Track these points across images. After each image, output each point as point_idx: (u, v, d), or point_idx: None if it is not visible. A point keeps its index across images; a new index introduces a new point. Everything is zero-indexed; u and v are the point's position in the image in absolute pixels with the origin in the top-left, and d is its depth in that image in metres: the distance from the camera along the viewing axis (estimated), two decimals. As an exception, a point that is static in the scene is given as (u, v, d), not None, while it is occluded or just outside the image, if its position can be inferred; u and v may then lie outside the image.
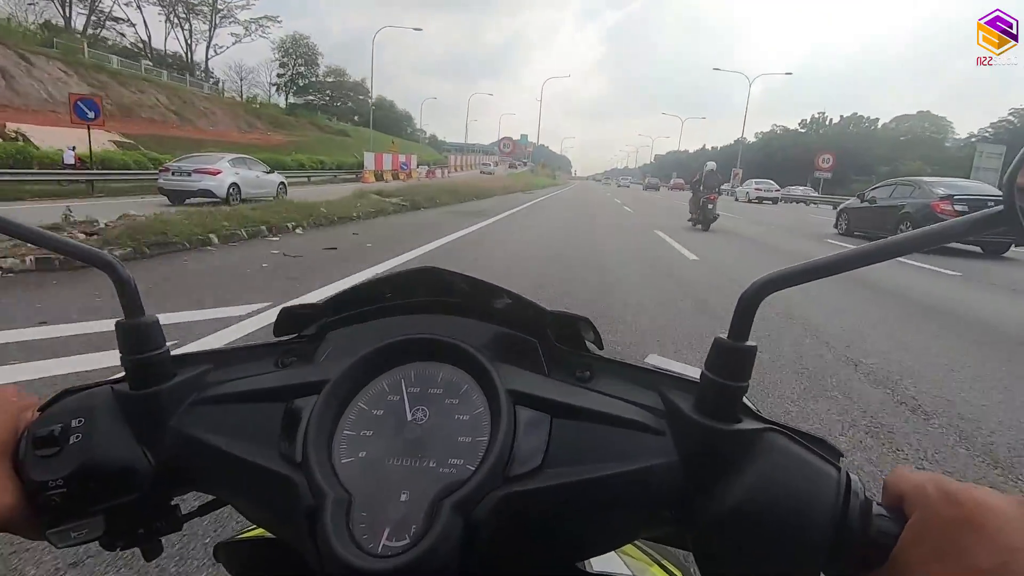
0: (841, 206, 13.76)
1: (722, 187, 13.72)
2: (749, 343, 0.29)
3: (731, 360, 0.30)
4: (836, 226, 13.44)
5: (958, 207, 9.58)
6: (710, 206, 11.83)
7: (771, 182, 37.21)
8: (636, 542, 0.56)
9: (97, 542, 0.34)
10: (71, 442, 0.33)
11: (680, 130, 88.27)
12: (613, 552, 0.49)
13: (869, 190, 12.60)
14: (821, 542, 0.26)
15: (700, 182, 12.10)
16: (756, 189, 35.61)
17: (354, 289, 0.41)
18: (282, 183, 16.12)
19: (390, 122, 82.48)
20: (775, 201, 34.77)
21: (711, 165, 12.38)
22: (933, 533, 0.24)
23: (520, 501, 0.30)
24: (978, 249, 9.98)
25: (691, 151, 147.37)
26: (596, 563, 0.46)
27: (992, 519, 0.23)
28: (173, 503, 0.38)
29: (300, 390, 0.35)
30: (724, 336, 0.30)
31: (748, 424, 0.30)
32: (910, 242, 0.26)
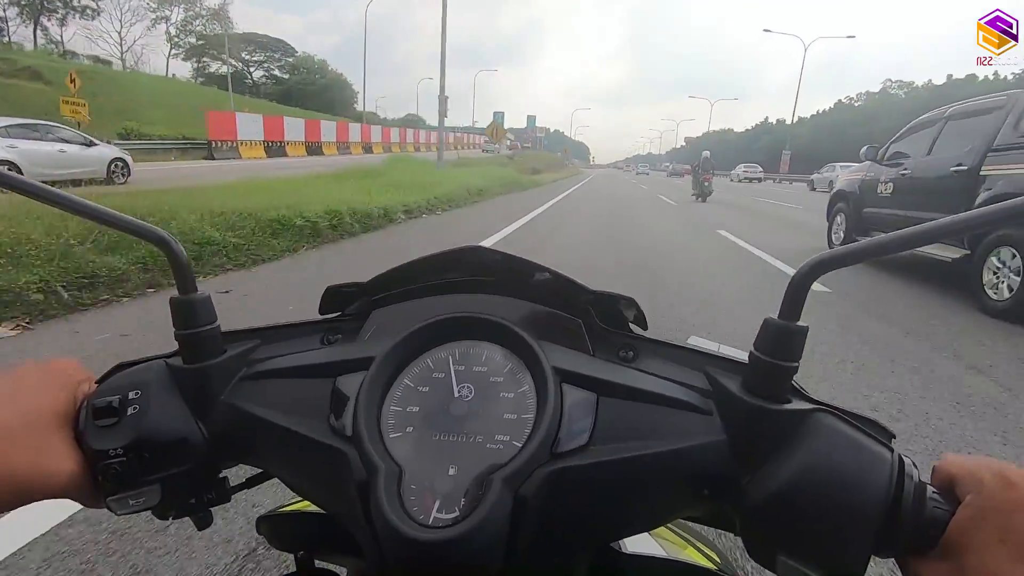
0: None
1: (715, 170, 17.30)
2: (800, 323, 0.29)
3: (781, 340, 0.30)
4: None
5: None
6: (706, 184, 16.45)
7: (757, 166, 48.24)
8: (671, 524, 0.55)
9: (151, 512, 0.35)
10: (129, 413, 0.34)
11: (710, 112, 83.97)
12: (647, 533, 0.50)
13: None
14: (873, 523, 0.26)
15: (699, 167, 16.52)
16: (744, 171, 46.13)
17: (397, 269, 0.41)
18: (119, 159, 12.31)
19: (339, 100, 64.82)
20: (760, 180, 44.78)
21: (706, 154, 16.60)
22: (991, 516, 0.24)
23: (567, 477, 0.30)
24: None
25: (737, 130, 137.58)
26: (630, 544, 0.46)
27: None
28: (222, 475, 0.39)
29: (347, 366, 0.36)
30: (774, 316, 0.30)
31: (798, 404, 0.30)
32: (955, 225, 0.26)
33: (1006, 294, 4.05)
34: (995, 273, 4.19)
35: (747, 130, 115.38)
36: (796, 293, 0.29)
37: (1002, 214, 0.25)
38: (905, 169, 5.60)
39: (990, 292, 4.21)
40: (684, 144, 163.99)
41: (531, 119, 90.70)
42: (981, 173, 4.45)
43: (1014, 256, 4.02)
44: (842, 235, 6.90)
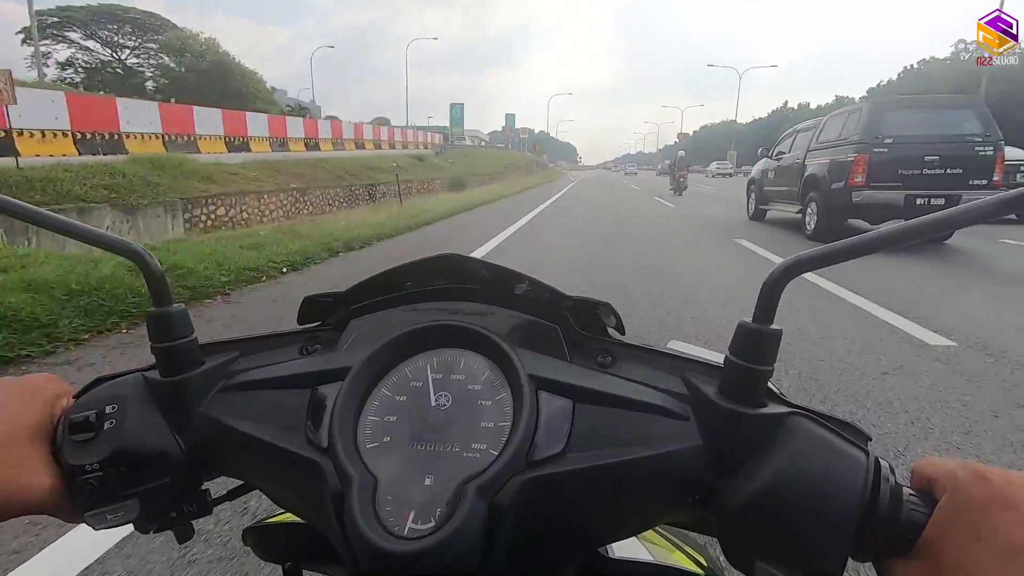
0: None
1: (690, 166, 21.19)
2: (774, 327, 0.29)
3: (755, 344, 0.29)
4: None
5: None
6: (681, 180, 19.53)
7: (727, 162, 55.94)
8: (658, 528, 0.56)
9: (132, 525, 0.35)
10: (105, 427, 0.34)
11: (681, 119, 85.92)
12: (635, 538, 0.50)
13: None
14: (849, 527, 0.26)
15: (675, 165, 19.98)
16: (717, 168, 54.82)
17: (375, 278, 0.42)
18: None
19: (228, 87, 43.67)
20: (731, 175, 51.82)
21: (681, 153, 20.01)
22: (965, 513, 0.24)
23: (543, 485, 0.30)
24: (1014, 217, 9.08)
25: (744, 122, 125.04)
26: (618, 549, 0.47)
27: None
28: (203, 488, 0.39)
29: (325, 376, 0.36)
30: (748, 320, 0.30)
31: (773, 408, 0.30)
32: (946, 220, 0.26)
33: (812, 228, 7.77)
34: (807, 218, 7.89)
35: (757, 119, 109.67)
36: (769, 296, 0.29)
37: (963, 216, 0.26)
38: (778, 162, 9.36)
39: (807, 227, 7.92)
40: (677, 141, 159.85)
41: (510, 117, 80.00)
42: (804, 163, 8.14)
43: (814, 209, 7.69)
44: (753, 207, 10.63)
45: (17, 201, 0.33)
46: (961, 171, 6.53)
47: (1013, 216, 8.11)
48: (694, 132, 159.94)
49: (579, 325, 0.39)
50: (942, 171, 6.55)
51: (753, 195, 10.63)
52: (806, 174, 7.95)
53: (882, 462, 0.28)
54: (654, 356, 0.37)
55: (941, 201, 6.51)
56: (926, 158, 6.53)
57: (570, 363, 0.37)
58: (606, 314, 0.38)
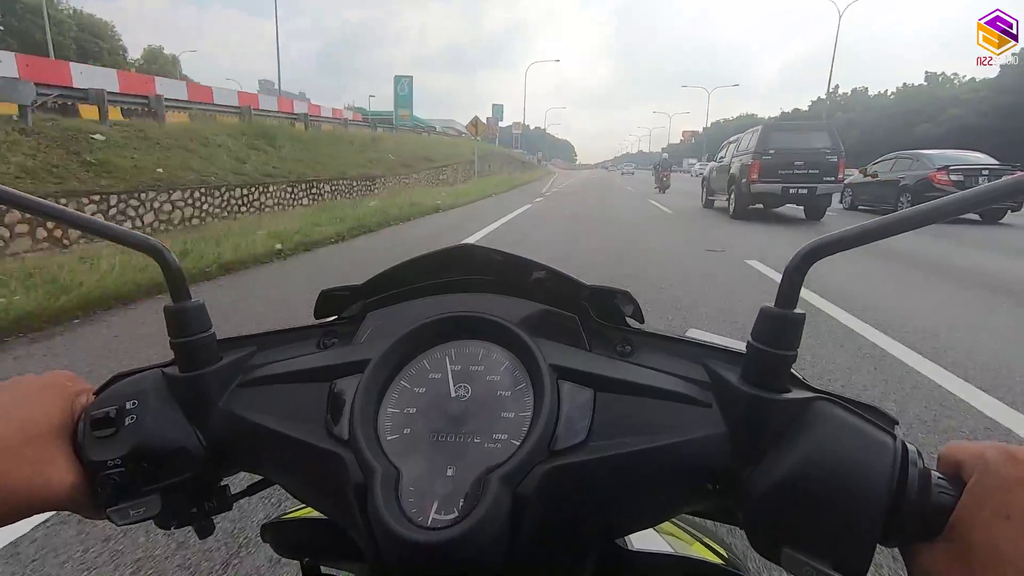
0: (846, 181, 13.41)
1: (672, 167, 24.94)
2: (797, 311, 0.29)
3: (778, 329, 0.29)
4: (841, 201, 14.00)
5: (953, 177, 10.15)
6: (665, 179, 22.67)
7: (709, 162, 60.50)
8: (676, 520, 0.56)
9: (153, 521, 0.35)
10: (126, 423, 0.34)
11: (708, 101, 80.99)
12: (653, 530, 0.51)
13: (871, 165, 13.15)
14: (878, 512, 0.25)
15: (659, 166, 23.27)
16: (698, 168, 64.22)
17: (391, 270, 0.42)
18: None
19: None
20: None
21: (665, 155, 24.25)
22: (995, 493, 0.24)
23: (566, 474, 0.30)
24: (977, 217, 10.35)
25: (763, 115, 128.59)
26: (637, 541, 0.47)
27: None
28: (223, 483, 0.39)
29: (343, 370, 0.36)
30: (771, 305, 0.30)
31: (798, 393, 0.30)
32: (954, 205, 0.26)
33: (732, 210, 11.41)
34: (729, 204, 11.58)
35: (786, 113, 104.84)
36: (792, 281, 0.28)
37: (969, 203, 0.25)
38: (718, 163, 13.20)
39: (729, 210, 11.59)
40: (682, 139, 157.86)
41: (497, 108, 66.38)
42: (730, 165, 11.81)
43: (731, 193, 11.34)
44: (704, 198, 14.65)
45: (36, 199, 0.33)
46: (817, 171, 10.07)
47: (1013, 204, 9.85)
48: (685, 133, 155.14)
49: (597, 314, 0.39)
50: (805, 171, 10.11)
51: (705, 189, 14.45)
52: (730, 173, 11.56)
53: (909, 446, 0.27)
54: (674, 344, 0.37)
55: (804, 191, 10.10)
56: (795, 163, 10.11)
57: (590, 352, 0.37)
58: (624, 302, 0.38)
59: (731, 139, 12.77)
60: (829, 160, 10.12)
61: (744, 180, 10.53)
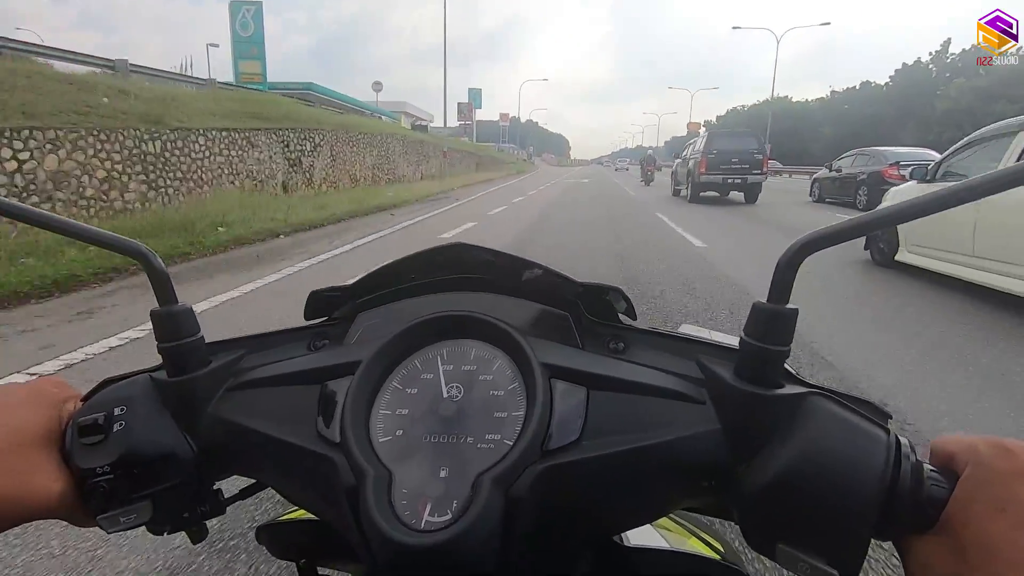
0: (814, 176, 15.52)
1: (659, 163, 27.98)
2: (790, 306, 0.29)
3: (771, 324, 0.29)
4: (811, 194, 15.33)
5: (903, 172, 10.20)
6: (650, 173, 25.14)
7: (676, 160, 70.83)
8: (673, 515, 0.57)
9: (145, 527, 0.34)
10: (115, 430, 0.33)
11: (690, 104, 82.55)
12: (649, 525, 0.50)
13: (836, 160, 14.12)
14: (872, 506, 0.25)
15: (645, 161, 25.73)
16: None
17: (381, 270, 0.41)
18: None
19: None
20: None
21: (650, 152, 26.64)
22: (988, 486, 0.24)
23: (559, 474, 0.30)
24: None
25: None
26: (633, 537, 0.46)
27: None
28: (215, 487, 0.39)
29: (334, 372, 0.36)
30: (763, 301, 0.29)
31: (791, 389, 0.30)
32: (954, 194, 0.25)
33: (685, 193, 15.09)
34: (686, 192, 15.16)
35: (809, 101, 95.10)
36: (784, 276, 0.28)
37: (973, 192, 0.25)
38: (682, 159, 16.77)
39: (687, 197, 15.11)
40: (688, 131, 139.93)
41: (474, 92, 57.62)
42: (688, 160, 15.42)
43: (688, 183, 14.87)
44: (672, 188, 17.89)
45: (19, 203, 0.33)
46: (748, 166, 13.46)
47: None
48: (691, 125, 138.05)
49: (590, 311, 0.39)
50: (739, 166, 13.50)
51: (673, 181, 18.06)
52: (688, 167, 14.95)
53: (902, 440, 0.27)
54: (667, 340, 0.37)
55: (739, 180, 13.48)
56: (732, 159, 13.50)
57: (582, 350, 0.37)
58: (616, 299, 0.38)
59: (690, 141, 16.26)
60: (756, 157, 13.59)
61: (696, 173, 13.93)
